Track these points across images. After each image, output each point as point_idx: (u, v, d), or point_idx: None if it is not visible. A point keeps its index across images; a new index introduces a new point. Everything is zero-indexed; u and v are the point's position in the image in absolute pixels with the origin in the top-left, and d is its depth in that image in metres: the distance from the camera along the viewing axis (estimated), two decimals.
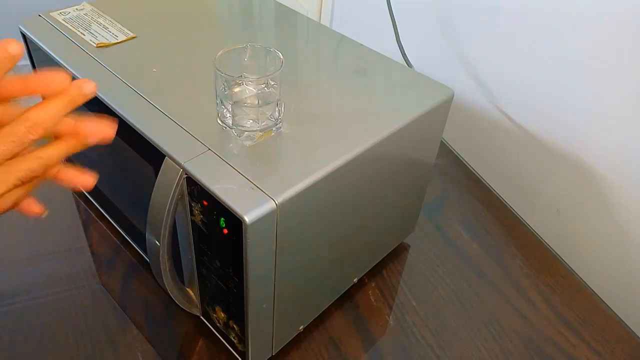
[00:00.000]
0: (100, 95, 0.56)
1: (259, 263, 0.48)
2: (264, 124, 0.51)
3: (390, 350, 0.64)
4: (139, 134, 0.52)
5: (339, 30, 0.74)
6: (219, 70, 0.49)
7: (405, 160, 0.62)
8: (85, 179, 0.42)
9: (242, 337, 0.55)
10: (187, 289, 0.61)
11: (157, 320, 0.65)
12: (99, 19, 0.68)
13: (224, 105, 0.51)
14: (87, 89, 0.37)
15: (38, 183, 0.40)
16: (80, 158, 0.74)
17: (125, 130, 0.54)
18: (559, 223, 0.85)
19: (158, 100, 0.55)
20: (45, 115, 0.36)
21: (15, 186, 0.37)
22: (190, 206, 0.51)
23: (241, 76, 0.52)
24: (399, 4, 0.91)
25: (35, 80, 0.38)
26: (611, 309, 0.72)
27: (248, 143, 0.51)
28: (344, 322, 0.66)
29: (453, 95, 0.62)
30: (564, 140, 0.80)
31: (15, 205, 0.39)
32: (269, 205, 0.45)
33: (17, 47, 0.35)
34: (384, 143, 0.55)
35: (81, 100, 0.38)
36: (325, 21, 1.28)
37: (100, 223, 0.76)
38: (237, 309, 0.53)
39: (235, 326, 0.56)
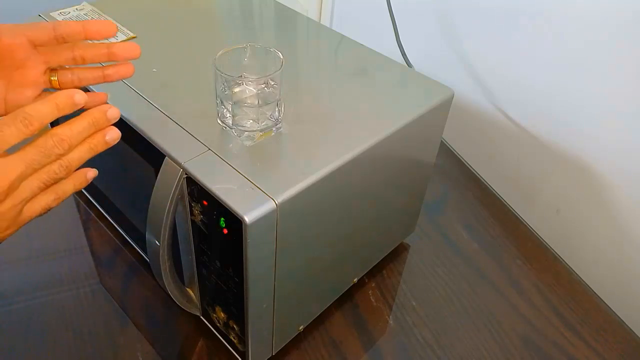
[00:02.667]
0: None
1: (259, 263, 0.48)
2: (264, 124, 0.51)
3: (390, 350, 0.64)
4: (139, 134, 0.52)
5: (339, 30, 0.74)
6: (219, 70, 0.49)
7: (405, 160, 0.62)
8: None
9: (242, 337, 0.55)
10: (187, 289, 0.61)
11: (157, 320, 0.65)
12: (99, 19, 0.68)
13: (224, 105, 0.51)
14: (111, 114, 0.41)
15: (67, 191, 0.42)
16: None
17: (126, 130, 0.54)
18: (559, 223, 0.84)
19: (158, 100, 0.55)
20: (71, 133, 0.39)
21: (40, 189, 0.39)
22: (190, 206, 0.51)
23: (241, 76, 0.52)
24: (399, 4, 0.91)
25: (90, 25, 0.45)
26: (611, 309, 0.72)
27: (248, 143, 0.51)
28: (344, 322, 0.66)
29: (453, 95, 0.62)
30: (564, 140, 0.80)
31: (45, 210, 0.41)
32: (269, 205, 0.45)
33: (82, 97, 0.39)
34: (384, 143, 0.55)
35: (104, 124, 0.41)
36: (325, 21, 1.28)
37: (100, 223, 0.76)
38: (237, 309, 0.53)
39: (235, 326, 0.56)
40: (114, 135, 0.42)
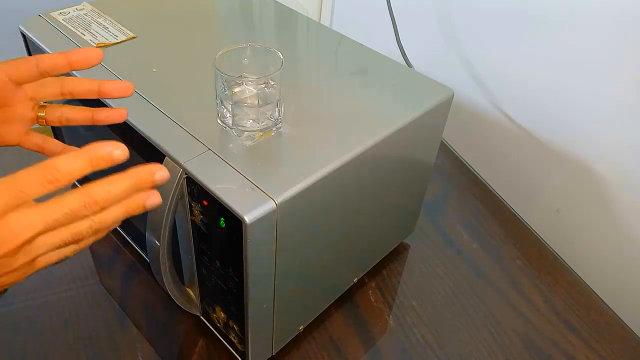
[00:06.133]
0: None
1: (259, 263, 0.48)
2: (264, 124, 0.51)
3: (390, 350, 0.64)
4: (139, 133, 0.52)
5: (339, 30, 0.74)
6: (219, 70, 0.49)
7: (405, 160, 0.62)
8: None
9: (242, 337, 0.55)
10: (187, 289, 0.61)
11: (157, 320, 0.65)
12: (99, 19, 0.68)
13: (224, 105, 0.51)
14: (160, 176, 0.36)
15: (88, 244, 0.37)
16: None
17: (125, 130, 0.54)
18: (559, 223, 0.85)
19: (158, 100, 0.55)
20: (107, 196, 0.34)
21: (60, 247, 0.35)
22: (190, 206, 0.51)
23: (241, 76, 0.52)
24: (399, 4, 0.91)
25: (73, 55, 0.40)
26: (611, 309, 0.72)
27: (248, 143, 0.51)
28: (344, 322, 0.66)
29: (453, 95, 0.62)
30: (563, 140, 0.80)
31: (61, 260, 0.37)
32: (269, 205, 0.45)
33: (122, 153, 0.34)
34: (384, 143, 0.55)
35: (148, 186, 0.36)
36: (325, 21, 1.28)
37: None
38: (237, 309, 0.53)
39: (235, 326, 0.56)
40: (155, 200, 0.36)
